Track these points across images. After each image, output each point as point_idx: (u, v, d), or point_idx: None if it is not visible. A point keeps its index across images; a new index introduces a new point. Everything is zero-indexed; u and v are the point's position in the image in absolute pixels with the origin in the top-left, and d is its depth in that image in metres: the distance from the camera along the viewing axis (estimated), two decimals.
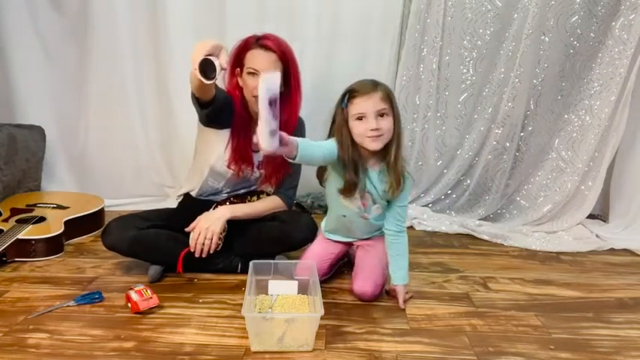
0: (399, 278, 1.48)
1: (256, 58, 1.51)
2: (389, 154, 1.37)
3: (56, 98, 2.31)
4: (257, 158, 1.65)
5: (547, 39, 2.07)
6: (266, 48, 1.51)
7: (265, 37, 1.54)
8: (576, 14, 2.03)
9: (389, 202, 1.47)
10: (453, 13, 2.10)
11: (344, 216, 1.52)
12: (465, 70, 2.18)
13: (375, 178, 1.42)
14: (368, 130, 1.31)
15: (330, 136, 1.42)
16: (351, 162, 1.35)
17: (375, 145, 1.33)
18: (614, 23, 2.05)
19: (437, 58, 2.14)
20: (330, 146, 1.35)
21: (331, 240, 1.62)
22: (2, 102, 2.30)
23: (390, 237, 1.49)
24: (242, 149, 1.60)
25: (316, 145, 1.27)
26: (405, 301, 1.46)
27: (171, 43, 2.14)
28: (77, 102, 2.30)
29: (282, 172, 1.66)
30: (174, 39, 2.13)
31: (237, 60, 1.55)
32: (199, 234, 1.51)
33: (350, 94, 1.35)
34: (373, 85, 1.34)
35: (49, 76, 2.28)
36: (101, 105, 2.27)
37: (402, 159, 1.40)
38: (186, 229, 1.54)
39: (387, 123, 1.33)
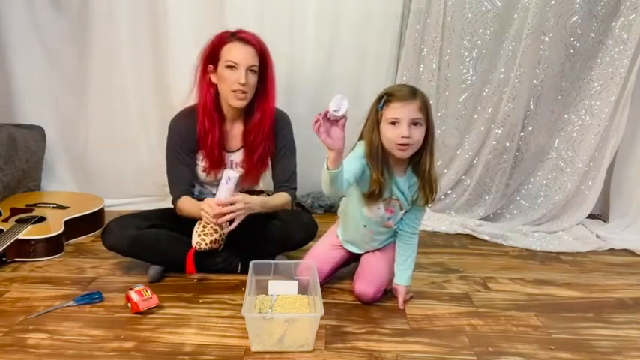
0: (403, 279, 1.48)
1: (236, 52, 1.51)
2: (423, 164, 1.36)
3: (56, 98, 2.31)
4: (231, 158, 1.66)
5: (547, 39, 2.07)
6: (245, 41, 1.53)
7: (241, 32, 1.55)
8: (576, 14, 2.03)
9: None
10: (453, 13, 2.10)
11: (364, 226, 1.48)
12: (465, 70, 2.18)
13: (402, 184, 1.40)
14: (399, 137, 1.28)
15: (362, 135, 1.39)
16: (379, 164, 1.33)
17: (403, 154, 1.32)
18: (614, 23, 2.05)
19: (437, 58, 2.14)
20: (356, 165, 1.32)
21: (344, 248, 1.59)
22: (2, 102, 2.30)
23: (404, 237, 1.50)
24: (215, 156, 1.60)
25: (346, 172, 1.25)
26: (405, 302, 1.46)
27: (171, 43, 2.14)
28: (77, 102, 2.30)
29: (260, 169, 1.67)
30: (174, 39, 2.13)
31: (212, 56, 1.54)
32: (236, 207, 1.46)
33: (387, 97, 1.31)
34: (412, 93, 1.30)
35: (49, 76, 2.27)
36: (101, 105, 2.27)
37: (435, 169, 1.38)
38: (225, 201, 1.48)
39: (418, 133, 1.30)
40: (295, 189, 1.70)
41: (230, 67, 1.51)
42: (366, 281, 1.47)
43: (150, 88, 2.25)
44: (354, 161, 1.33)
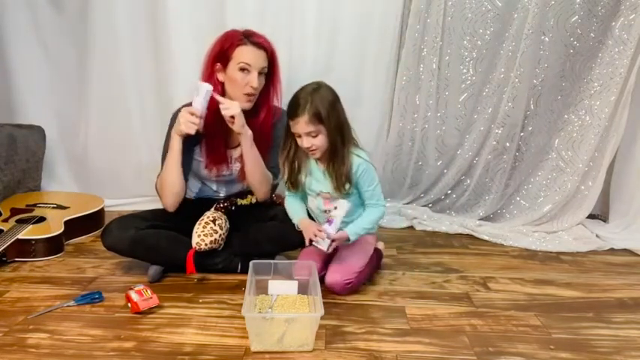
0: (349, 228, 1.50)
1: (250, 54, 1.52)
2: (332, 158, 1.47)
3: (56, 98, 2.31)
4: (231, 154, 1.66)
5: (547, 39, 2.07)
6: (259, 45, 1.54)
7: (253, 34, 1.56)
8: (576, 14, 2.03)
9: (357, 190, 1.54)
10: (453, 13, 2.10)
11: (314, 220, 1.60)
12: (465, 70, 2.18)
13: (319, 175, 1.52)
14: (304, 147, 1.45)
15: None
16: (291, 162, 1.52)
17: (315, 157, 1.50)
18: (614, 23, 2.05)
19: (437, 58, 2.14)
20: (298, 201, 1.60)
21: None
22: (2, 102, 2.30)
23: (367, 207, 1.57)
24: (216, 151, 1.60)
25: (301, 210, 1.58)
26: (329, 247, 1.46)
27: (171, 43, 2.13)
28: (77, 102, 2.30)
29: None
30: (174, 38, 2.13)
31: (221, 55, 1.54)
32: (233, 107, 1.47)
33: (287, 111, 1.45)
34: (302, 108, 1.39)
35: (49, 76, 2.27)
36: (101, 105, 2.27)
37: (347, 157, 1.46)
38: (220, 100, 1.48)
39: (318, 140, 1.43)
40: (277, 176, 1.69)
41: (243, 69, 1.52)
42: (333, 271, 1.51)
43: (150, 88, 2.25)
44: (295, 200, 1.59)
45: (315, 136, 1.42)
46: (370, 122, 2.24)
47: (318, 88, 1.44)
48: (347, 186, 1.47)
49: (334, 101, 1.44)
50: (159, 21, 2.13)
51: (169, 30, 2.12)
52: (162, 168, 1.59)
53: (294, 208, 1.57)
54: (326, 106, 1.41)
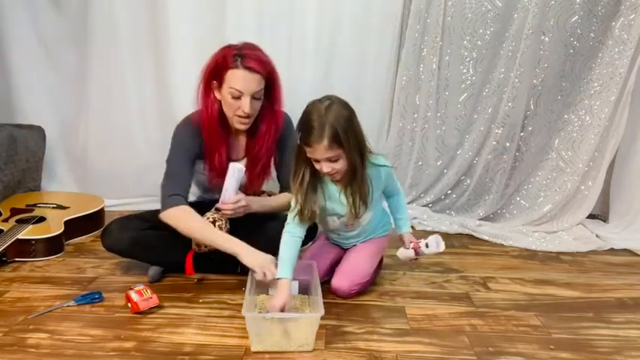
0: (401, 227, 1.60)
1: (241, 80, 1.44)
2: (351, 180, 1.38)
3: (56, 98, 2.31)
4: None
5: (547, 39, 2.07)
6: (251, 70, 1.44)
7: (247, 55, 1.45)
8: (576, 14, 2.03)
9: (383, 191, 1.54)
10: (453, 13, 2.10)
11: (331, 231, 1.59)
12: (465, 70, 2.18)
13: (337, 196, 1.43)
14: (325, 172, 1.33)
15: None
16: (306, 191, 1.37)
17: (335, 179, 1.39)
18: (614, 23, 2.05)
19: (437, 58, 2.14)
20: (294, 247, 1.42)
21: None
22: (2, 102, 2.31)
23: (388, 202, 1.62)
24: (219, 164, 1.57)
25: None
26: (410, 241, 1.54)
27: (171, 43, 2.14)
28: (77, 102, 2.30)
29: (262, 179, 1.66)
30: (174, 39, 2.13)
31: (216, 73, 1.48)
32: (239, 204, 1.51)
33: (300, 137, 1.30)
34: (318, 133, 1.24)
35: (49, 76, 2.28)
36: (101, 105, 2.27)
37: (366, 178, 1.38)
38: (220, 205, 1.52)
39: (338, 164, 1.31)
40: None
41: (234, 94, 1.46)
42: (341, 276, 1.50)
43: (150, 88, 2.25)
44: (293, 243, 1.41)
45: (335, 161, 1.29)
46: (370, 122, 2.23)
47: (330, 105, 1.27)
48: (363, 209, 1.42)
49: (350, 117, 1.29)
50: (159, 21, 2.13)
51: (170, 30, 2.13)
52: (167, 185, 1.51)
53: (287, 256, 1.37)
54: (343, 126, 1.26)
